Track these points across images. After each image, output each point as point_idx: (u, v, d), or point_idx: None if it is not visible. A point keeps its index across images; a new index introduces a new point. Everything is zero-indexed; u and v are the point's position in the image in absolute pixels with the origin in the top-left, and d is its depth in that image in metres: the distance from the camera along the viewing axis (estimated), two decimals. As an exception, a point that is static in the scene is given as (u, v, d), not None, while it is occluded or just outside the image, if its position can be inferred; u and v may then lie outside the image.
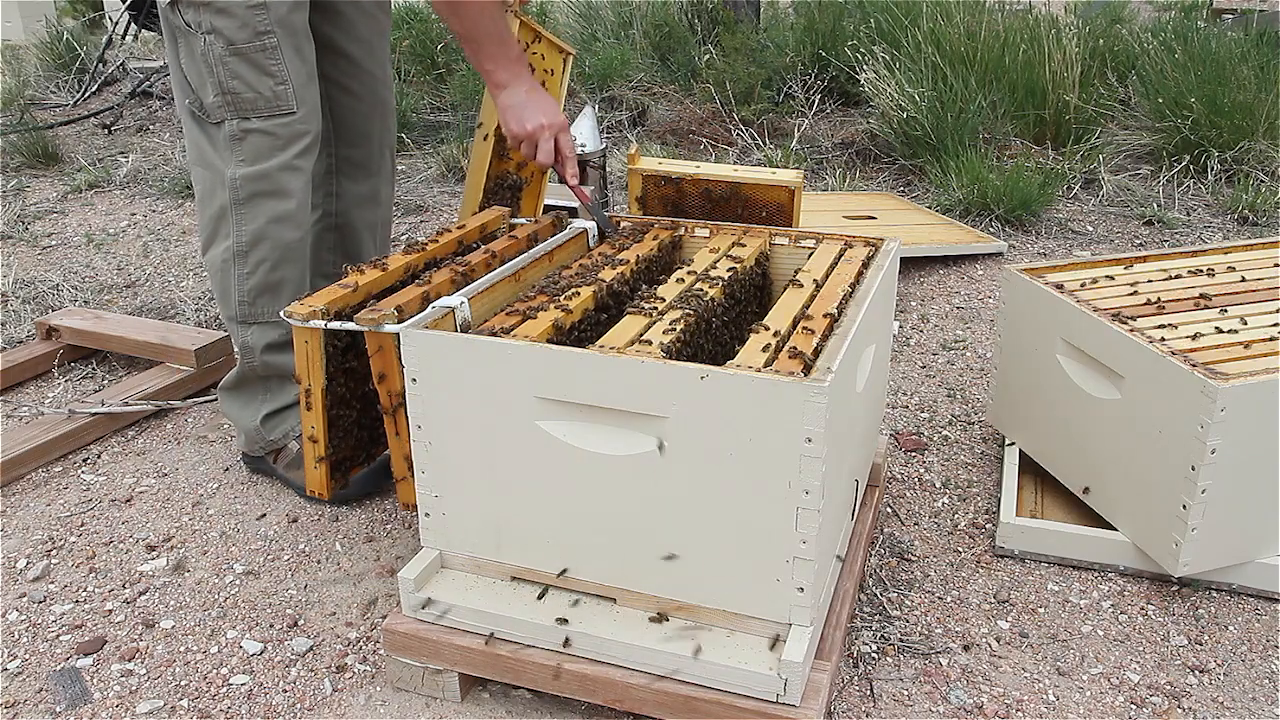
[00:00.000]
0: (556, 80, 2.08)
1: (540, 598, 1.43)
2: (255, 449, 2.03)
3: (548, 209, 2.12)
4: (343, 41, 2.02)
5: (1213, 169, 3.86)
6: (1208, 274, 1.96)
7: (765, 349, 1.32)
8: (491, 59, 1.77)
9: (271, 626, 1.67)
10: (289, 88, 1.81)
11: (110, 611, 1.70)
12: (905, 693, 1.51)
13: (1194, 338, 1.67)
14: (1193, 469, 1.55)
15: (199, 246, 2.02)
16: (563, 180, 1.85)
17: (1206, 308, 1.81)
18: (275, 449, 2.02)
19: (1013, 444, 2.03)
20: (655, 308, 1.46)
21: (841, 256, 1.69)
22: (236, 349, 1.97)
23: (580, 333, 1.49)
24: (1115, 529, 1.75)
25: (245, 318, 1.92)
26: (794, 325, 1.40)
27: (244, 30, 1.76)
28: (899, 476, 2.09)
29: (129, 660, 1.59)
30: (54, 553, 1.86)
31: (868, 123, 4.47)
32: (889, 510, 1.97)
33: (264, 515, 1.97)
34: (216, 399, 2.17)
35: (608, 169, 3.77)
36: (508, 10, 1.97)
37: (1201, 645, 1.61)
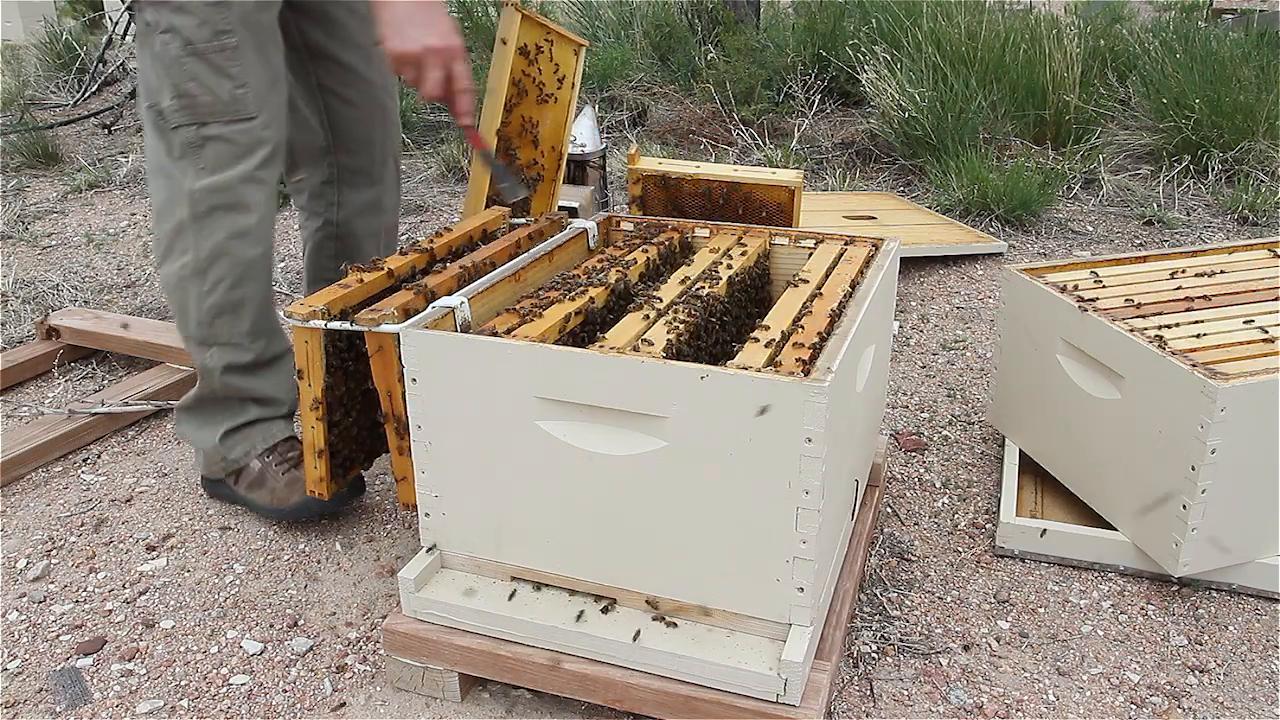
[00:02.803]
0: (569, 85, 2.02)
1: (540, 598, 1.43)
2: (215, 471, 1.94)
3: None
4: (337, 49, 1.95)
5: (1213, 169, 3.86)
6: (1208, 274, 1.96)
7: (765, 349, 1.32)
8: None
9: (271, 626, 1.67)
10: (248, 91, 1.70)
11: (110, 611, 1.70)
12: (905, 693, 1.51)
13: (1194, 338, 1.67)
14: (1193, 469, 1.55)
15: (154, 260, 1.90)
16: (456, 118, 1.63)
17: (1206, 308, 1.81)
18: (235, 470, 1.92)
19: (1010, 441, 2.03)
20: (656, 308, 1.47)
21: (841, 256, 1.69)
22: (196, 370, 1.89)
23: (584, 334, 1.49)
24: (1115, 529, 1.76)
25: (204, 339, 1.82)
26: (794, 325, 1.40)
27: (203, 29, 1.66)
28: (899, 476, 2.09)
29: (129, 660, 1.59)
30: (54, 553, 1.86)
31: (868, 123, 4.47)
32: (889, 510, 1.97)
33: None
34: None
35: (608, 169, 3.77)
36: (507, 4, 1.90)
37: (1201, 645, 1.61)
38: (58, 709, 1.50)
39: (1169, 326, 1.72)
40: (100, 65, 5.58)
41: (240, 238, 1.77)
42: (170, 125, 1.73)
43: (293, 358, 1.95)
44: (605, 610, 1.40)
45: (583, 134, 3.15)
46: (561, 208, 2.08)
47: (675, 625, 1.37)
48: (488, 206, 1.93)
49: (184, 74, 1.68)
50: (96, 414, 2.25)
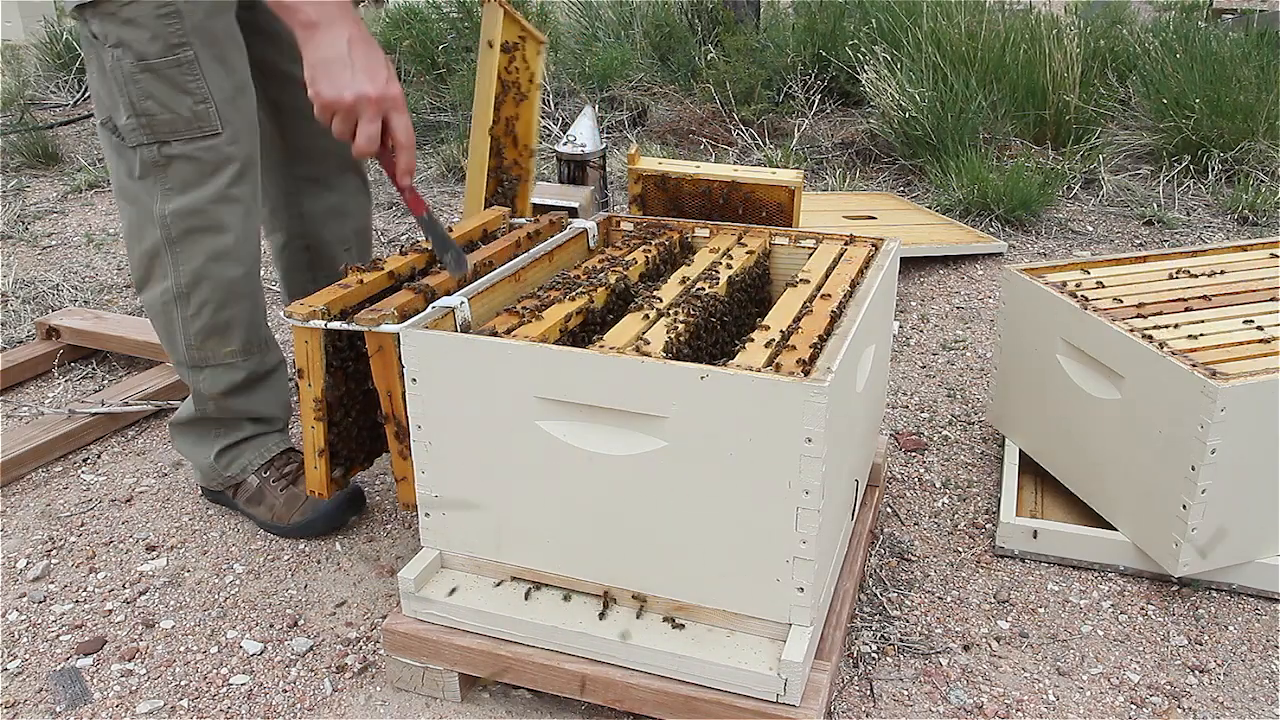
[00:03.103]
0: (535, 83, 1.98)
1: (540, 598, 1.43)
2: (213, 485, 1.93)
3: (548, 209, 2.12)
4: (288, 64, 1.79)
5: (1213, 169, 3.86)
6: (1208, 274, 1.96)
7: (765, 349, 1.32)
8: None
9: (271, 626, 1.67)
10: (210, 106, 1.61)
11: (110, 611, 1.70)
12: (905, 693, 1.51)
13: (1194, 338, 1.67)
14: (1193, 469, 1.55)
15: (134, 284, 1.81)
16: (392, 180, 1.45)
17: (1206, 308, 1.81)
18: (234, 484, 1.91)
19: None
20: (656, 308, 1.47)
21: (841, 256, 1.69)
22: (190, 391, 1.85)
23: (584, 334, 1.49)
24: (1115, 529, 1.76)
25: (195, 362, 1.78)
26: (794, 325, 1.40)
27: (155, 43, 1.56)
28: (899, 476, 2.09)
29: (129, 660, 1.59)
30: (54, 553, 1.86)
31: (868, 123, 4.47)
32: (889, 510, 1.97)
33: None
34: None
35: (608, 169, 3.77)
36: (488, 1, 1.83)
37: (1201, 645, 1.61)
38: (58, 709, 1.50)
39: (1169, 326, 1.71)
40: (100, 65, 5.58)
41: (220, 259, 1.71)
42: (129, 144, 1.64)
43: (285, 370, 1.94)
44: (605, 610, 1.40)
45: (583, 134, 3.15)
46: (561, 208, 2.08)
47: (677, 625, 1.37)
48: (486, 207, 1.93)
49: (139, 91, 1.58)
50: (96, 414, 2.25)
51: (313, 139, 1.95)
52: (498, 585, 1.46)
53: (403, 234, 3.56)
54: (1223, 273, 1.97)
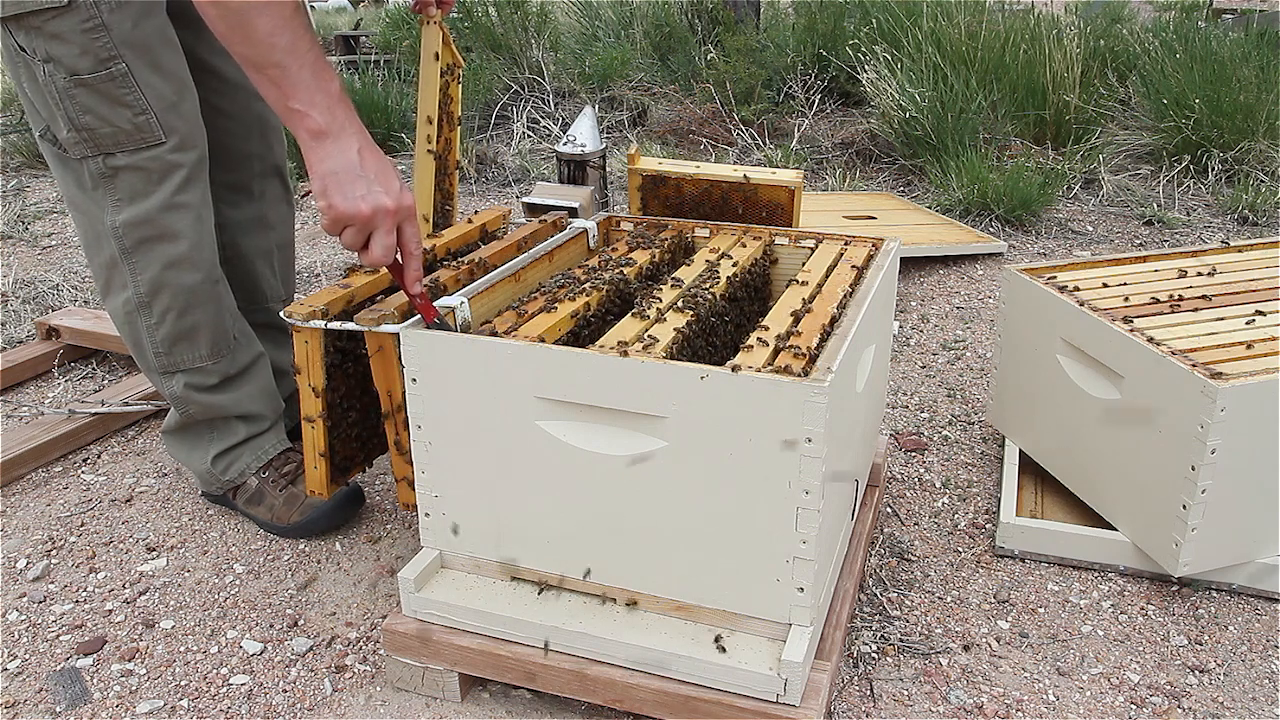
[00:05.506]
0: (458, 117, 1.89)
1: (540, 598, 1.43)
2: (213, 489, 1.92)
3: (548, 209, 2.12)
4: (208, 55, 1.76)
5: (1213, 169, 3.86)
6: (1208, 274, 1.96)
7: (765, 349, 1.32)
8: (303, 94, 1.27)
9: (271, 626, 1.67)
10: (150, 117, 1.59)
11: (110, 611, 1.70)
12: (905, 693, 1.51)
13: (1194, 338, 1.67)
14: (1193, 469, 1.55)
15: (97, 293, 1.84)
16: (405, 290, 1.39)
17: (1206, 308, 1.81)
18: (233, 486, 1.91)
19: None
20: (656, 308, 1.47)
21: (841, 257, 1.69)
22: (167, 399, 1.84)
23: (585, 334, 1.49)
24: (1115, 529, 1.76)
25: (165, 368, 1.78)
26: (794, 325, 1.40)
27: (85, 58, 1.53)
28: (899, 476, 2.09)
29: (129, 660, 1.59)
30: (54, 553, 1.86)
31: (868, 123, 4.47)
32: (889, 510, 1.97)
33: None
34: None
35: (608, 169, 3.77)
36: (429, 22, 1.72)
37: (1201, 645, 1.61)
38: (58, 709, 1.50)
39: (1169, 326, 1.72)
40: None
41: (175, 267, 1.70)
42: (74, 156, 1.63)
43: (266, 363, 1.92)
44: (605, 610, 1.40)
45: (583, 134, 3.15)
46: (561, 208, 2.07)
47: (675, 625, 1.37)
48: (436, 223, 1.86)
49: (76, 107, 1.57)
50: (96, 414, 2.25)
51: (233, 140, 1.89)
52: (498, 585, 1.46)
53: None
54: (1223, 273, 1.97)
